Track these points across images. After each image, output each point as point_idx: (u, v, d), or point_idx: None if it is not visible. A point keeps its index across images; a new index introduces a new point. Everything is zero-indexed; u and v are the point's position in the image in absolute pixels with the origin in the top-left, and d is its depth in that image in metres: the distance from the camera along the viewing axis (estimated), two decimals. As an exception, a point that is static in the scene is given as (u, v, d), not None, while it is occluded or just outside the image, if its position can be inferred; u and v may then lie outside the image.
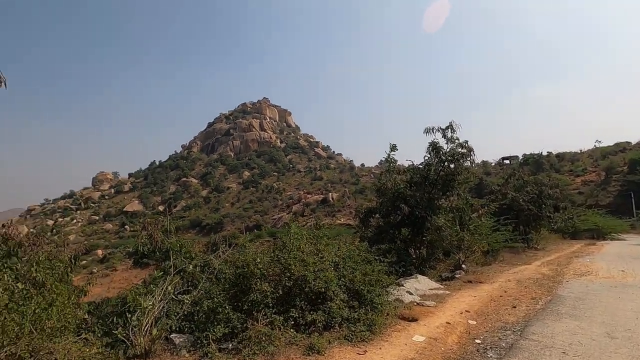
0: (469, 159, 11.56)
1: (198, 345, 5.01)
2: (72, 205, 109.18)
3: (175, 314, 5.65)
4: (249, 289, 5.76)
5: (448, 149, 11.41)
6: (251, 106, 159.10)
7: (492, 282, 9.56)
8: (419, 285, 8.90)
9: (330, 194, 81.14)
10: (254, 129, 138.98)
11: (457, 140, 11.55)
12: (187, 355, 4.83)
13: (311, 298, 5.82)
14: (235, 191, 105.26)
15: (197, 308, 5.75)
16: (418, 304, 7.26)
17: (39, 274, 4.62)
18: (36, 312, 4.22)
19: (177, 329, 5.56)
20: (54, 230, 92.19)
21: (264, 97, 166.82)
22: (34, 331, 4.01)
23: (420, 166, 11.99)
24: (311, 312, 5.54)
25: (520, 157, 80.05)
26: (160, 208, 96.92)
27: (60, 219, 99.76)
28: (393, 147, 11.82)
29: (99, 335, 5.42)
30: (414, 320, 6.09)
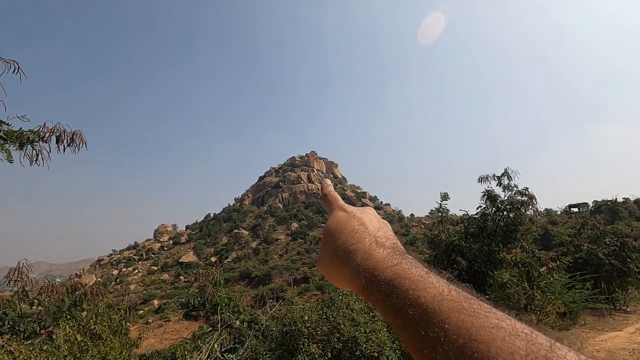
0: (530, 207, 10.64)
1: (242, 411, 4.72)
2: (135, 256, 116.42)
3: (221, 373, 5.47)
4: (296, 350, 5.47)
5: (505, 197, 10.66)
6: (299, 159, 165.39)
7: (575, 352, 8.17)
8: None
9: (379, 245, 78.37)
10: (302, 181, 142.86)
11: (515, 188, 10.79)
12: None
13: (362, 363, 5.35)
14: (284, 242, 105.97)
15: (243, 368, 5.53)
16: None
17: (97, 326, 4.78)
18: (91, 365, 4.31)
19: (222, 390, 5.34)
20: (118, 279, 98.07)
21: (312, 151, 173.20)
22: (87, 386, 4.06)
23: (476, 216, 11.25)
24: (363, 380, 5.06)
25: (591, 204, 72.32)
26: (213, 259, 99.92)
27: (124, 269, 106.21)
28: (445, 196, 11.30)
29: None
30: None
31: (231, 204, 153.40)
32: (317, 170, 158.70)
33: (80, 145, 4.68)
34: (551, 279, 11.88)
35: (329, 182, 0.74)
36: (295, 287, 67.17)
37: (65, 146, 4.59)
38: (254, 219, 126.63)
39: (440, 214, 11.76)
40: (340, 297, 6.88)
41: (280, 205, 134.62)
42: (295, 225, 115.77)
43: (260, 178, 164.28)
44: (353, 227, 0.57)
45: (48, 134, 4.27)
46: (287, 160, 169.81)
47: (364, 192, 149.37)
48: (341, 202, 0.66)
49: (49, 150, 4.25)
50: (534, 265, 10.94)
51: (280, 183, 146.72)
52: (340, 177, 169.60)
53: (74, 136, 4.41)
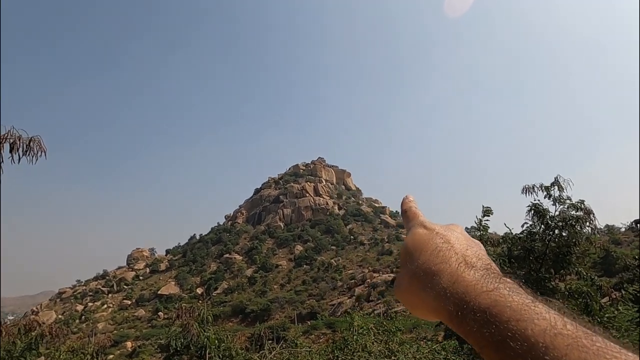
0: (587, 223, 10.50)
1: None
2: (104, 287, 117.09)
3: None
4: (299, 403, 5.41)
5: (557, 212, 10.53)
6: (304, 168, 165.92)
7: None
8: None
9: (402, 272, 77.84)
10: (307, 195, 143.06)
11: (567, 200, 10.66)
12: None
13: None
14: (286, 270, 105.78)
15: None
16: None
17: (56, 375, 4.80)
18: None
19: None
20: (83, 316, 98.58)
21: (319, 157, 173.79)
22: None
23: (521, 235, 11.12)
24: None
25: (664, 219, 71.12)
26: (199, 291, 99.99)
27: (90, 304, 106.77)
28: (487, 212, 11.17)
29: None
30: None
31: (221, 223, 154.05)
32: (326, 180, 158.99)
33: (39, 153, 4.78)
34: (615, 312, 11.60)
35: (411, 197, 0.75)
36: (300, 324, 66.73)
37: (21, 155, 4.68)
38: (249, 241, 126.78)
39: (479, 232, 11.64)
40: (354, 337, 6.82)
41: (281, 224, 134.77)
42: (299, 248, 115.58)
43: (257, 191, 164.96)
44: (436, 244, 0.57)
45: (0, 141, 4.36)
46: (289, 168, 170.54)
47: (383, 207, 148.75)
48: (423, 218, 0.67)
49: (0, 160, 4.34)
50: (594, 296, 10.71)
51: (280, 197, 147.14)
52: (353, 188, 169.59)
53: (31, 143, 4.50)
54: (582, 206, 10.40)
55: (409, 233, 0.63)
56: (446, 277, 0.52)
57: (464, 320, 0.46)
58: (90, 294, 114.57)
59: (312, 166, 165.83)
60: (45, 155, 4.84)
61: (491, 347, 0.42)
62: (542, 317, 0.42)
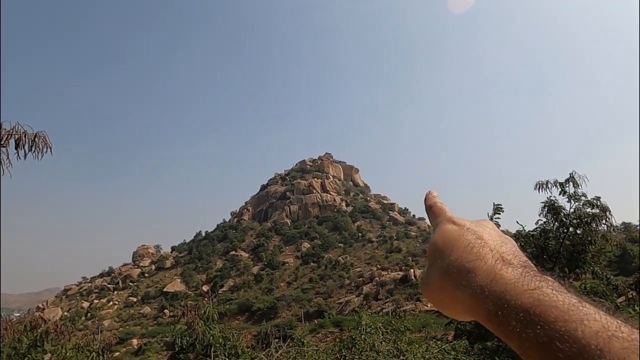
0: (603, 221, 10.36)
1: None
2: (109, 284, 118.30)
3: None
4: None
5: (572, 210, 10.41)
6: (311, 163, 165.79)
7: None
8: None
9: (411, 270, 77.77)
10: (314, 191, 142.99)
11: (583, 197, 10.53)
12: None
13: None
14: (292, 267, 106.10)
15: None
16: None
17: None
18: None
19: None
20: (89, 313, 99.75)
21: (326, 153, 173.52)
22: None
23: (534, 233, 11.02)
24: None
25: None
26: (205, 288, 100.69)
27: (96, 301, 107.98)
28: (497, 209, 11.07)
29: None
30: None
31: (227, 220, 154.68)
32: (333, 177, 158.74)
33: (44, 149, 4.82)
34: (632, 312, 11.48)
35: (435, 193, 0.74)
36: (307, 322, 67.03)
37: (27, 151, 4.73)
38: (256, 238, 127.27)
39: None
40: (362, 336, 6.81)
41: (288, 221, 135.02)
42: (306, 245, 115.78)
43: (263, 187, 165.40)
44: (468, 241, 0.55)
45: (5, 136, 4.40)
46: (296, 164, 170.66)
47: (392, 204, 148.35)
48: (450, 214, 0.65)
49: (6, 156, 4.38)
50: (610, 295, 10.61)
51: (287, 193, 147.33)
52: (361, 184, 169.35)
53: (37, 139, 4.53)
54: (598, 203, 10.26)
55: (437, 229, 0.61)
56: (482, 274, 0.49)
57: (505, 320, 0.44)
58: (96, 291, 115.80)
59: (319, 162, 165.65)
60: (50, 151, 4.88)
61: (535, 348, 0.40)
62: (593, 318, 0.40)
